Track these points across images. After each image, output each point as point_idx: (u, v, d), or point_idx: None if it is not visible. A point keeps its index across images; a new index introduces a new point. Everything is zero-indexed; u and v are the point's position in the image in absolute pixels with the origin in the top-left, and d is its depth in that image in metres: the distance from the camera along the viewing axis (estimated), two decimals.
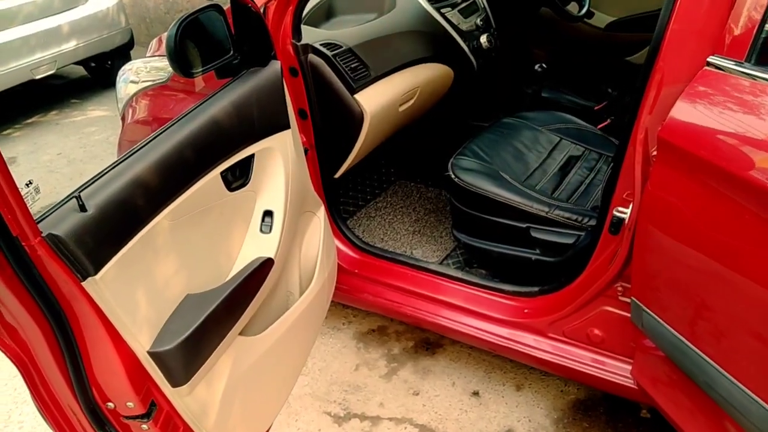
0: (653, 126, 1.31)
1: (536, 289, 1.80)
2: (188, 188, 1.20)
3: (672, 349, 1.36)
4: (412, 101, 2.14)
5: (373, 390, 2.11)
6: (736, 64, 1.14)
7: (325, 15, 2.13)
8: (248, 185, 1.45)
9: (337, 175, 2.07)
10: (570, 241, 1.76)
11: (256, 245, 1.46)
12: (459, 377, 2.12)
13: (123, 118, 2.25)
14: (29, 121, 4.54)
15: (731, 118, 1.13)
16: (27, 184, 0.96)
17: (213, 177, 1.29)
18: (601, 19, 2.79)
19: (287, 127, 1.56)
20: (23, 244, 0.91)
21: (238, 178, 1.44)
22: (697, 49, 1.21)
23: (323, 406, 2.06)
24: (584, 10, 2.41)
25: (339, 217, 2.13)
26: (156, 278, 1.13)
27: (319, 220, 1.78)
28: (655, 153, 1.30)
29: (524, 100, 2.40)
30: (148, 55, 2.24)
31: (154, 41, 2.28)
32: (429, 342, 2.27)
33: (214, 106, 1.33)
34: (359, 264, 2.07)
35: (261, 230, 1.48)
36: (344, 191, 2.55)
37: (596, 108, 2.33)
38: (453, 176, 1.91)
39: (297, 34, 1.79)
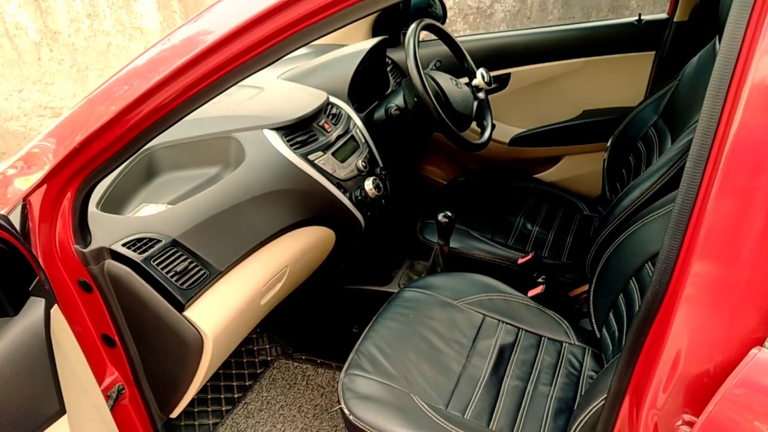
0: (666, 421, 0.80)
1: None
2: None
3: None
4: (279, 285, 1.53)
5: None
6: None
7: (144, 176, 1.50)
8: None
9: (174, 414, 1.40)
10: None
11: None
12: None
13: None
14: None
15: None
16: None
17: None
18: (505, 132, 2.38)
19: (59, 413, 0.91)
20: None
21: None
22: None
23: None
24: (486, 136, 1.93)
25: None
26: None
27: None
28: None
29: (429, 256, 1.86)
30: None
31: None
32: None
33: None
34: None
35: None
36: (201, 390, 1.85)
37: (520, 261, 1.82)
38: (347, 411, 1.30)
39: (82, 233, 1.14)
